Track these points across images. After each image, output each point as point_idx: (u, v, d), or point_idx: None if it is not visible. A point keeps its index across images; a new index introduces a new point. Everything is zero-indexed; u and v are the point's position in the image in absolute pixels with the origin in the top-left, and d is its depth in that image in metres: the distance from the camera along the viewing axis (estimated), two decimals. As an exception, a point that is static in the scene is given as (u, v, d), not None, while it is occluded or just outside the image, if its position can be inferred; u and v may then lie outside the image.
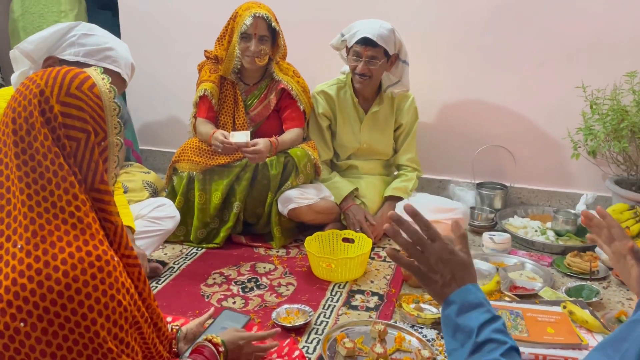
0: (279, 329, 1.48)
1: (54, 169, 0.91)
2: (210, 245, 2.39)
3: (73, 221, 0.91)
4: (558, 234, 2.46)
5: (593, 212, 1.31)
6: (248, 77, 2.51)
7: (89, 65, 1.44)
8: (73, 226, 0.91)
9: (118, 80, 1.58)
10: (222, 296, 1.98)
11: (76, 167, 0.95)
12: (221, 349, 1.21)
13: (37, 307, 0.85)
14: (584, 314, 1.67)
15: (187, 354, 1.26)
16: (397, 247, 0.97)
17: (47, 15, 3.45)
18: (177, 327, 1.29)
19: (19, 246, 0.88)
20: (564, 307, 1.71)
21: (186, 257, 2.30)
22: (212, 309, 1.52)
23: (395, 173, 2.72)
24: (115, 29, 3.24)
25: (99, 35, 1.52)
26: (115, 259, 0.94)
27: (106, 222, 0.98)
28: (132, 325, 0.96)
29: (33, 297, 0.85)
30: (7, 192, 0.92)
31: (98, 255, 0.90)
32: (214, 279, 2.11)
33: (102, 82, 0.99)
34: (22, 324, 0.85)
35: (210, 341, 1.21)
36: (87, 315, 0.87)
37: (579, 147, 2.54)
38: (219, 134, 2.31)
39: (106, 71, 1.14)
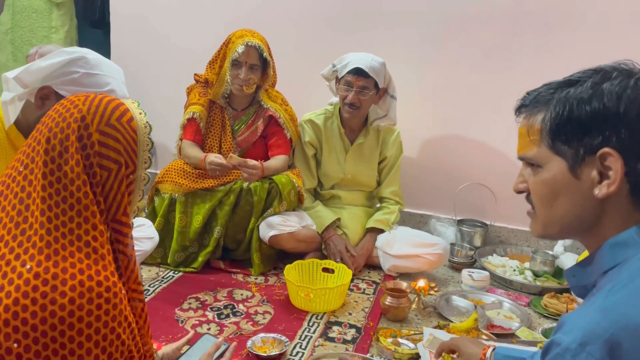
0: (235, 343, 1.49)
1: (78, 196, 0.91)
2: (187, 270, 2.35)
3: (88, 250, 0.90)
4: (536, 275, 2.47)
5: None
6: (236, 102, 2.52)
7: None
8: (87, 255, 0.90)
9: None
10: (197, 322, 1.93)
11: (102, 196, 0.95)
12: None
13: (35, 329, 0.83)
14: (561, 355, 1.67)
15: None
16: None
17: (37, 30, 3.43)
18: (154, 350, 1.26)
19: (28, 267, 0.86)
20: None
21: (162, 280, 2.26)
22: (192, 332, 1.50)
23: (378, 205, 2.73)
24: (105, 48, 3.24)
25: (102, 74, 1.44)
26: (123, 291, 0.93)
27: (120, 253, 0.98)
28: None
29: (33, 319, 0.83)
30: (26, 210, 0.91)
31: (107, 287, 0.89)
32: (190, 303, 2.07)
33: (139, 117, 1.01)
34: (15, 345, 0.82)
35: None
36: (83, 345, 0.85)
37: (559, 189, 2.58)
38: (213, 157, 2.29)
39: None
